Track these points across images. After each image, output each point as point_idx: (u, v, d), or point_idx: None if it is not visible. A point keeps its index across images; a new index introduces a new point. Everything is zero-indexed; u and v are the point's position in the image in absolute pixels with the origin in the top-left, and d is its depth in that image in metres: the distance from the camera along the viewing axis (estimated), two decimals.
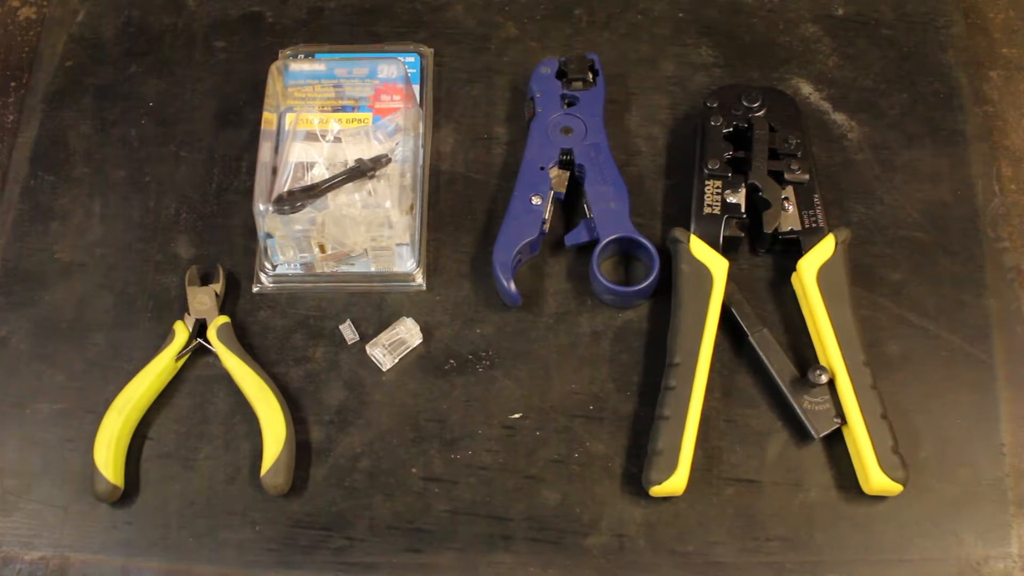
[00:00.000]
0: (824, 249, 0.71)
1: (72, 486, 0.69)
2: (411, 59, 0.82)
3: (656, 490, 0.66)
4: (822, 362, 0.69)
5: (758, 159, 0.74)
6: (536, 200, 0.74)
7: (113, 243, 0.78)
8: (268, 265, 0.75)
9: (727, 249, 0.73)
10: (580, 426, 0.70)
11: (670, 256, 0.73)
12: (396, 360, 0.73)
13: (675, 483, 0.66)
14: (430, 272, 0.76)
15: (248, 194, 0.75)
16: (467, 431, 0.70)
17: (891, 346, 0.72)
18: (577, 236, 0.74)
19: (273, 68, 0.77)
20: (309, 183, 0.73)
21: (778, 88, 0.79)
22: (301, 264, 0.75)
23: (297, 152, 0.76)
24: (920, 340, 0.72)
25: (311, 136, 0.77)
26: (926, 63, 0.83)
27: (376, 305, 0.75)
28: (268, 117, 0.76)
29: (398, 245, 0.74)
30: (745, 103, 0.76)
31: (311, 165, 0.75)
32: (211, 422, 0.71)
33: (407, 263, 0.75)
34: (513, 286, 0.72)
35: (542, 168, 0.76)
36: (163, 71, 0.85)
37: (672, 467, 0.66)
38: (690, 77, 0.83)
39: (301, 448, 0.70)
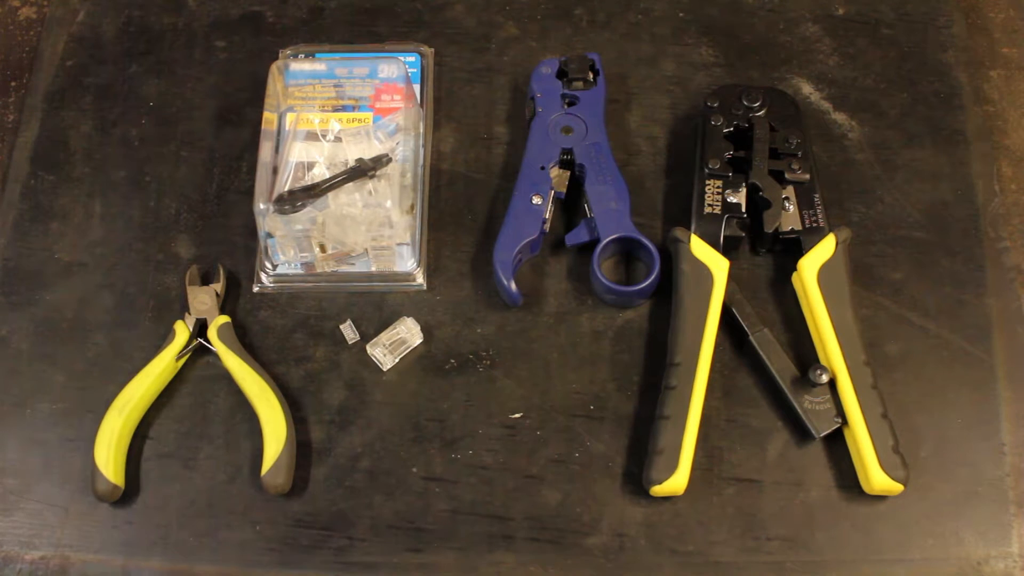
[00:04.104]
0: (824, 249, 0.71)
1: (72, 486, 0.69)
2: (411, 59, 0.82)
3: (657, 490, 0.66)
4: (823, 362, 0.69)
5: (758, 159, 0.74)
6: (537, 200, 0.74)
7: (113, 243, 0.78)
8: (268, 265, 0.75)
9: (728, 249, 0.73)
10: (581, 426, 0.70)
11: (671, 256, 0.73)
12: (396, 360, 0.73)
13: (676, 483, 0.66)
14: (430, 272, 0.76)
15: (248, 194, 0.75)
16: (467, 431, 0.70)
17: (891, 346, 0.72)
18: (578, 236, 0.74)
19: (273, 68, 0.77)
20: (309, 183, 0.73)
21: (778, 88, 0.79)
22: (301, 264, 0.75)
23: (297, 152, 0.76)
24: (920, 340, 0.72)
25: (311, 136, 0.77)
26: (926, 63, 0.83)
27: (376, 305, 0.75)
28: (268, 117, 0.76)
29: (398, 245, 0.74)
30: (746, 103, 0.76)
31: (311, 165, 0.75)
32: (211, 422, 0.71)
33: (407, 263, 0.75)
34: (514, 286, 0.72)
35: (543, 168, 0.76)
36: (163, 71, 0.85)
37: (673, 467, 0.66)
38: (690, 77, 0.83)
39: (301, 448, 0.70)
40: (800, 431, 0.69)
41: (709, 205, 0.73)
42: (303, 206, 0.72)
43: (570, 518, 0.68)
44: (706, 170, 0.74)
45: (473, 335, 0.73)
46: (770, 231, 0.73)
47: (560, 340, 0.73)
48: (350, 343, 0.73)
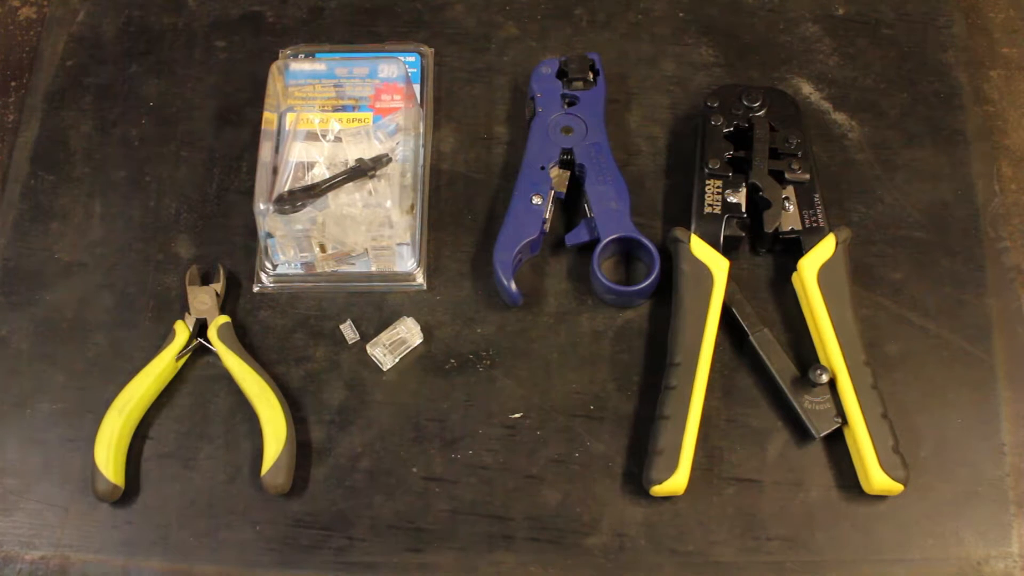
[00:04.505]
0: (824, 249, 0.71)
1: (72, 486, 0.69)
2: (411, 59, 0.82)
3: (657, 490, 0.66)
4: (823, 362, 0.69)
5: (759, 159, 0.74)
6: (537, 200, 0.74)
7: (113, 243, 0.78)
8: (268, 265, 0.75)
9: (728, 249, 0.73)
10: (581, 426, 0.70)
11: (671, 256, 0.73)
12: (396, 360, 0.73)
13: (676, 483, 0.66)
14: (430, 272, 0.76)
15: (248, 194, 0.75)
16: (467, 431, 0.70)
17: (891, 346, 0.72)
18: (578, 236, 0.74)
19: (273, 68, 0.77)
20: (309, 183, 0.73)
21: (778, 88, 0.79)
22: (301, 264, 0.75)
23: (297, 152, 0.76)
24: (920, 340, 0.72)
25: (311, 136, 0.77)
26: (926, 63, 0.83)
27: (376, 305, 0.75)
28: (268, 117, 0.76)
29: (398, 245, 0.74)
30: (746, 103, 0.76)
31: (311, 165, 0.75)
32: (211, 422, 0.71)
33: (407, 263, 0.75)
34: (514, 286, 0.72)
35: (543, 168, 0.76)
36: (163, 71, 0.85)
37: (673, 467, 0.66)
38: (690, 77, 0.83)
39: (301, 448, 0.70)
40: (800, 431, 0.69)
41: (709, 205, 0.73)
42: (303, 206, 0.72)
43: (570, 518, 0.68)
44: (706, 170, 0.74)
45: (473, 335, 0.73)
46: (770, 231, 0.73)
47: (560, 340, 0.73)
48: (350, 343, 0.73)
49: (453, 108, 0.82)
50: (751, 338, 0.70)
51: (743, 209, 0.73)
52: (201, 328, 0.73)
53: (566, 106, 0.78)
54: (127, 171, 0.81)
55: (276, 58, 0.83)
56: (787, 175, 0.74)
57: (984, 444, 0.69)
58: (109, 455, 0.68)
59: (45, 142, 0.82)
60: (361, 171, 0.74)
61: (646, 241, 0.73)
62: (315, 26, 0.86)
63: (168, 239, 0.78)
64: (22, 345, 0.74)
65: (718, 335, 0.70)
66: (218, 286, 0.74)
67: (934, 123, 0.80)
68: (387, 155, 0.74)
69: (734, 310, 0.71)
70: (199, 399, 0.72)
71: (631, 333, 0.73)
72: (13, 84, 0.87)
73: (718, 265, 0.71)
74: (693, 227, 0.73)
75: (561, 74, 0.79)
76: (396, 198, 0.73)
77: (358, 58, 0.80)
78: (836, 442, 0.69)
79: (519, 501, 0.68)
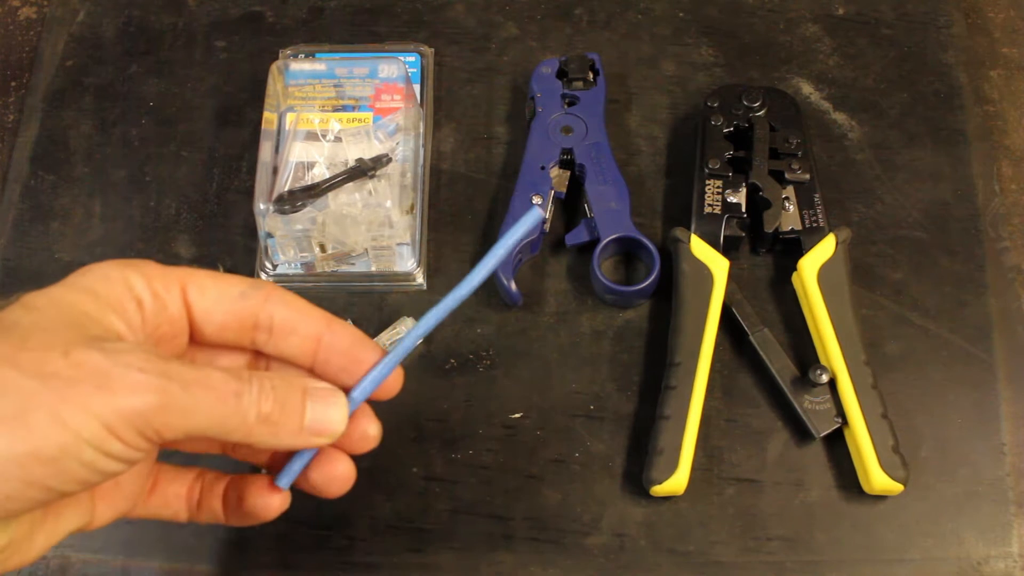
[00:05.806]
0: (825, 249, 0.71)
1: None
2: (411, 59, 0.82)
3: (657, 490, 0.66)
4: (823, 362, 0.69)
5: (759, 159, 0.74)
6: (537, 200, 0.74)
7: (113, 243, 0.78)
8: (268, 265, 0.75)
9: (728, 249, 0.73)
10: (581, 426, 0.70)
11: (671, 256, 0.73)
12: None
13: (676, 483, 0.66)
14: (430, 272, 0.76)
15: (248, 194, 0.75)
16: (468, 431, 0.70)
17: (891, 346, 0.72)
18: (577, 236, 0.74)
19: (273, 68, 0.77)
20: (309, 183, 0.73)
21: (779, 88, 0.79)
22: (301, 264, 0.75)
23: (298, 152, 0.76)
24: (920, 340, 0.72)
25: (311, 136, 0.77)
26: (926, 63, 0.83)
27: (376, 305, 0.75)
28: (268, 117, 0.76)
29: (398, 245, 0.74)
30: (746, 103, 0.76)
31: (311, 165, 0.75)
32: None
33: (407, 263, 0.75)
34: (514, 286, 0.72)
35: (543, 168, 0.76)
36: (163, 71, 0.85)
37: (673, 467, 0.66)
38: (690, 77, 0.83)
39: None
40: (800, 431, 0.69)
41: (709, 205, 0.73)
42: (303, 206, 0.72)
43: (570, 518, 0.68)
44: (706, 170, 0.74)
45: (473, 335, 0.73)
46: (770, 231, 0.73)
47: (560, 340, 0.73)
48: None
49: (453, 108, 0.82)
50: (751, 338, 0.70)
51: (743, 209, 0.73)
52: None
53: (566, 106, 0.78)
54: (127, 171, 0.81)
55: (276, 58, 0.83)
56: (787, 175, 0.74)
57: (984, 444, 0.69)
58: None
59: (45, 142, 0.82)
60: (361, 171, 0.74)
61: (646, 241, 0.73)
62: (315, 26, 0.86)
63: (168, 239, 0.78)
64: None
65: (718, 335, 0.70)
66: None
67: (934, 123, 0.80)
68: (387, 155, 0.74)
69: (734, 310, 0.71)
70: None
71: (631, 333, 0.73)
72: (13, 84, 0.87)
73: (718, 265, 0.71)
74: (693, 227, 0.73)
75: (561, 74, 0.79)
76: (396, 198, 0.73)
77: (358, 58, 0.80)
78: (836, 442, 0.69)
79: (519, 501, 0.68)
